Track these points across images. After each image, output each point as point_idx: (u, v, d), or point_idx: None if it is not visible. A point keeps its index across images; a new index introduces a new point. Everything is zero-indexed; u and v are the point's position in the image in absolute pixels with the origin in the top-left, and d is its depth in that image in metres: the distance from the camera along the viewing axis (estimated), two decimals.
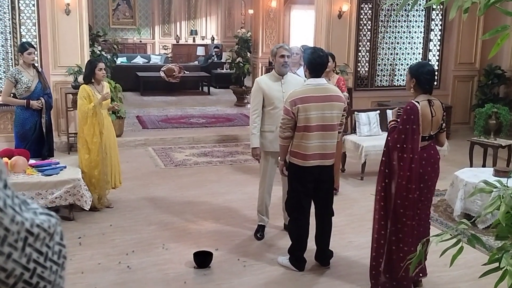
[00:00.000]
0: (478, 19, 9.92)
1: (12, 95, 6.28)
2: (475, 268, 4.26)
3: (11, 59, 8.16)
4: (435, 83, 10.24)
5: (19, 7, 8.03)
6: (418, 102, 3.87)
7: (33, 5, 8.05)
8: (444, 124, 4.06)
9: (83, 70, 6.05)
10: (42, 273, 0.77)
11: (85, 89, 5.66)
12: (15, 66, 7.78)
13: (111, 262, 4.58)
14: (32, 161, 5.70)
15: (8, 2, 7.98)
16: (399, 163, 3.88)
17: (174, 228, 5.39)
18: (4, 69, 8.15)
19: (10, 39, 8.10)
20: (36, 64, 6.94)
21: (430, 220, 4.25)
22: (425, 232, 4.00)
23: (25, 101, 6.13)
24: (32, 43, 7.96)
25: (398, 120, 3.96)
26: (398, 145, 3.87)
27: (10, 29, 8.07)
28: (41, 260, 0.78)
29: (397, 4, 9.70)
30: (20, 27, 8.08)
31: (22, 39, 8.00)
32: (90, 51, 8.64)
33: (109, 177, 5.85)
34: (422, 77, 3.93)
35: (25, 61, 6.18)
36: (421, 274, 4.17)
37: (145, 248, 4.87)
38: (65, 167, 5.69)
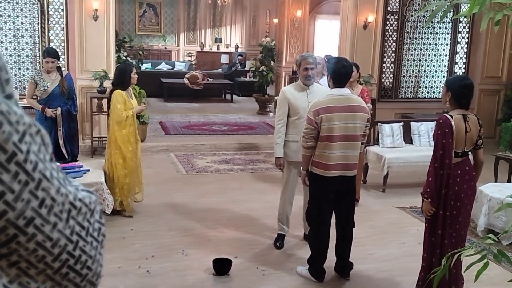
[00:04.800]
0: (506, 32, 9.80)
1: (36, 97, 6.45)
2: (499, 285, 4.19)
3: (39, 62, 8.30)
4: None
5: (48, 12, 8.17)
6: (451, 116, 3.75)
7: (62, 10, 8.19)
8: (481, 141, 3.88)
9: (110, 75, 6.00)
10: (84, 246, 0.81)
11: (122, 95, 5.59)
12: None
13: (131, 266, 4.60)
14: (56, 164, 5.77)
15: (37, 6, 8.14)
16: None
17: (194, 234, 5.40)
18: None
19: (39, 43, 8.25)
20: (63, 69, 7.08)
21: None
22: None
23: (41, 106, 6.30)
24: (60, 47, 8.14)
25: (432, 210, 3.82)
26: (436, 165, 3.75)
27: (39, 33, 8.22)
28: (83, 234, 0.81)
29: (424, 16, 9.64)
30: (48, 32, 8.22)
31: (51, 44, 8.15)
32: (116, 57, 8.75)
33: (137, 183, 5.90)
34: (459, 91, 3.79)
35: (44, 67, 6.34)
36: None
37: (165, 254, 4.89)
38: (88, 170, 5.74)
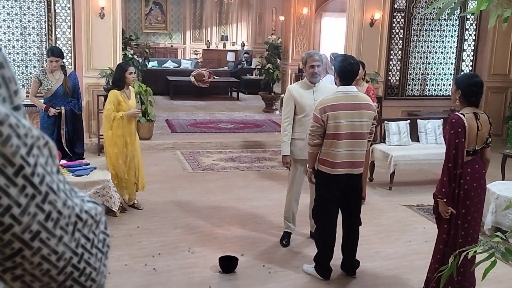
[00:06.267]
0: None
1: (41, 95, 6.47)
2: (506, 283, 4.17)
3: (46, 60, 8.32)
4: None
5: (55, 10, 8.18)
6: (463, 115, 3.72)
7: (69, 8, 8.21)
8: (490, 139, 3.87)
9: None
10: (88, 259, 0.80)
11: (117, 96, 5.60)
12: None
13: (138, 263, 4.62)
14: (63, 161, 5.80)
15: (44, 5, 8.16)
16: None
17: (200, 232, 5.41)
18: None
19: (46, 41, 8.27)
20: (69, 67, 7.09)
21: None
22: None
23: (45, 105, 6.32)
24: (67, 45, 8.16)
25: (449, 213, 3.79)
26: (450, 164, 3.71)
27: (45, 31, 8.24)
28: (88, 246, 0.80)
29: (430, 13, 9.60)
30: (55, 30, 8.23)
31: (57, 42, 8.17)
32: (122, 55, 8.76)
33: (136, 180, 5.89)
34: (469, 89, 3.77)
35: (48, 66, 6.35)
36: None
37: (171, 251, 4.90)
38: (95, 168, 5.76)
